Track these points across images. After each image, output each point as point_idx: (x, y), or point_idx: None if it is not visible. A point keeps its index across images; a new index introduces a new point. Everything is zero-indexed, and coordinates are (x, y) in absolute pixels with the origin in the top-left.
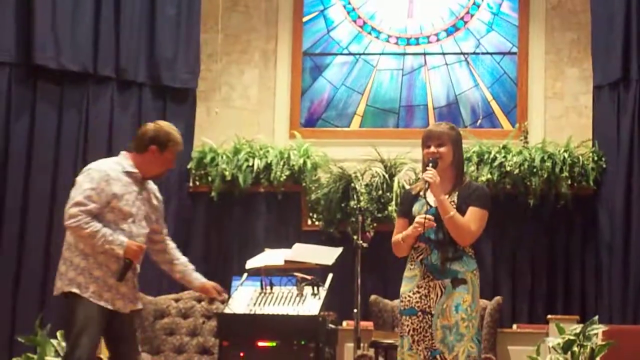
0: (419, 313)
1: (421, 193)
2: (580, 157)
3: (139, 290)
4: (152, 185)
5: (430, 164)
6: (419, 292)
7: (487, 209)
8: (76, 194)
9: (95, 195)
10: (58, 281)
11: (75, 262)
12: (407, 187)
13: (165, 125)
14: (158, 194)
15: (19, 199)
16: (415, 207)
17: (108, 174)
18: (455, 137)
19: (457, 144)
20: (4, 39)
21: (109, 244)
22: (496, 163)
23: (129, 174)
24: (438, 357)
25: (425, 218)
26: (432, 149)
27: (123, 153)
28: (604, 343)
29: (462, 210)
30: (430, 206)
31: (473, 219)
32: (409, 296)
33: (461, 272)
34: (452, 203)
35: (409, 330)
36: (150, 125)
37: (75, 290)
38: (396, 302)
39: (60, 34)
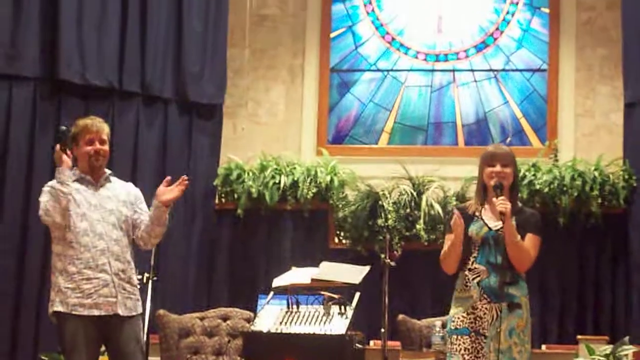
0: (472, 333)
1: (477, 214)
2: (611, 176)
3: (137, 297)
4: (117, 183)
5: (498, 191)
6: (473, 314)
7: (542, 236)
8: (39, 211)
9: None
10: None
11: (53, 281)
12: (435, 205)
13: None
14: (129, 187)
15: None
16: (473, 228)
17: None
18: (515, 159)
19: (516, 166)
20: (29, 53)
21: (54, 188)
22: (526, 181)
23: (78, 180)
24: None
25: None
26: (499, 167)
27: (73, 168)
28: None
29: (519, 235)
30: (489, 228)
31: (532, 245)
32: (462, 317)
33: (517, 296)
34: None
35: (460, 350)
36: None
37: (57, 308)
38: (424, 321)
39: (86, 48)
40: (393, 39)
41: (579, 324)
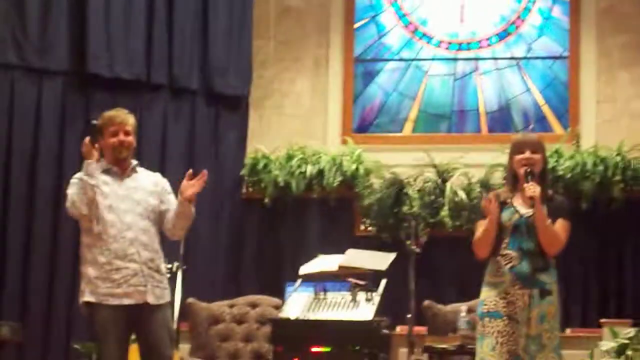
0: (505, 317)
1: (508, 201)
2: (633, 161)
3: (166, 286)
4: (144, 174)
5: (529, 177)
6: (505, 298)
7: (571, 221)
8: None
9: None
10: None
11: (83, 272)
12: (459, 192)
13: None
14: (156, 178)
15: None
16: (505, 215)
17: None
18: (544, 147)
19: (545, 153)
20: (57, 48)
21: (81, 179)
22: (548, 168)
23: (105, 172)
24: None
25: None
26: (528, 154)
27: (101, 160)
28: None
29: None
30: (521, 215)
31: (562, 230)
32: (495, 300)
33: (548, 283)
34: None
35: (494, 332)
36: None
37: (87, 298)
38: (450, 307)
39: (114, 42)
40: (416, 28)
41: (602, 309)
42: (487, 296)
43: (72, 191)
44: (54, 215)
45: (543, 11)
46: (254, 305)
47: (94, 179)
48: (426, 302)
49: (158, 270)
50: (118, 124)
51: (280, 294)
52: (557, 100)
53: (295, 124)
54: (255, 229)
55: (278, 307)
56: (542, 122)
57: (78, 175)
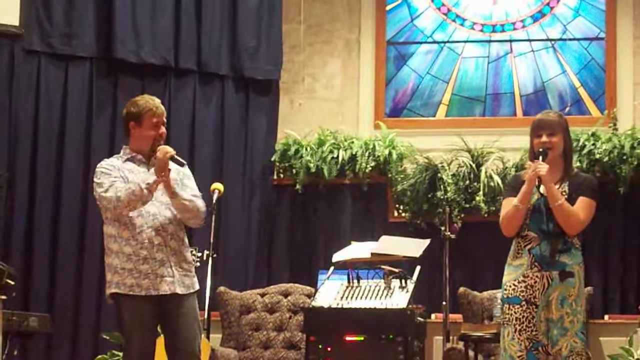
0: (523, 302)
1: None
2: None
3: (193, 274)
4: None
5: (540, 157)
6: (524, 282)
7: (596, 199)
8: (99, 191)
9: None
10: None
11: (108, 263)
12: (494, 176)
13: (137, 98)
14: (180, 168)
15: None
16: None
17: (113, 164)
18: (565, 125)
19: (567, 132)
20: (84, 33)
21: (142, 190)
22: (585, 151)
23: (130, 159)
24: (540, 349)
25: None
26: (545, 138)
27: (123, 147)
28: None
29: (572, 199)
30: (542, 194)
31: (582, 208)
32: (513, 285)
33: (569, 264)
34: (564, 193)
35: (512, 320)
36: (125, 106)
37: (114, 290)
38: (485, 294)
39: (141, 27)
40: (449, 10)
41: None
42: (507, 280)
43: (118, 187)
44: (81, 202)
45: None
46: (285, 294)
47: (152, 196)
48: (461, 289)
49: (185, 260)
50: (160, 115)
51: (312, 282)
52: (593, 82)
53: (327, 109)
54: (287, 215)
55: (310, 296)
56: (578, 105)
57: (139, 181)
